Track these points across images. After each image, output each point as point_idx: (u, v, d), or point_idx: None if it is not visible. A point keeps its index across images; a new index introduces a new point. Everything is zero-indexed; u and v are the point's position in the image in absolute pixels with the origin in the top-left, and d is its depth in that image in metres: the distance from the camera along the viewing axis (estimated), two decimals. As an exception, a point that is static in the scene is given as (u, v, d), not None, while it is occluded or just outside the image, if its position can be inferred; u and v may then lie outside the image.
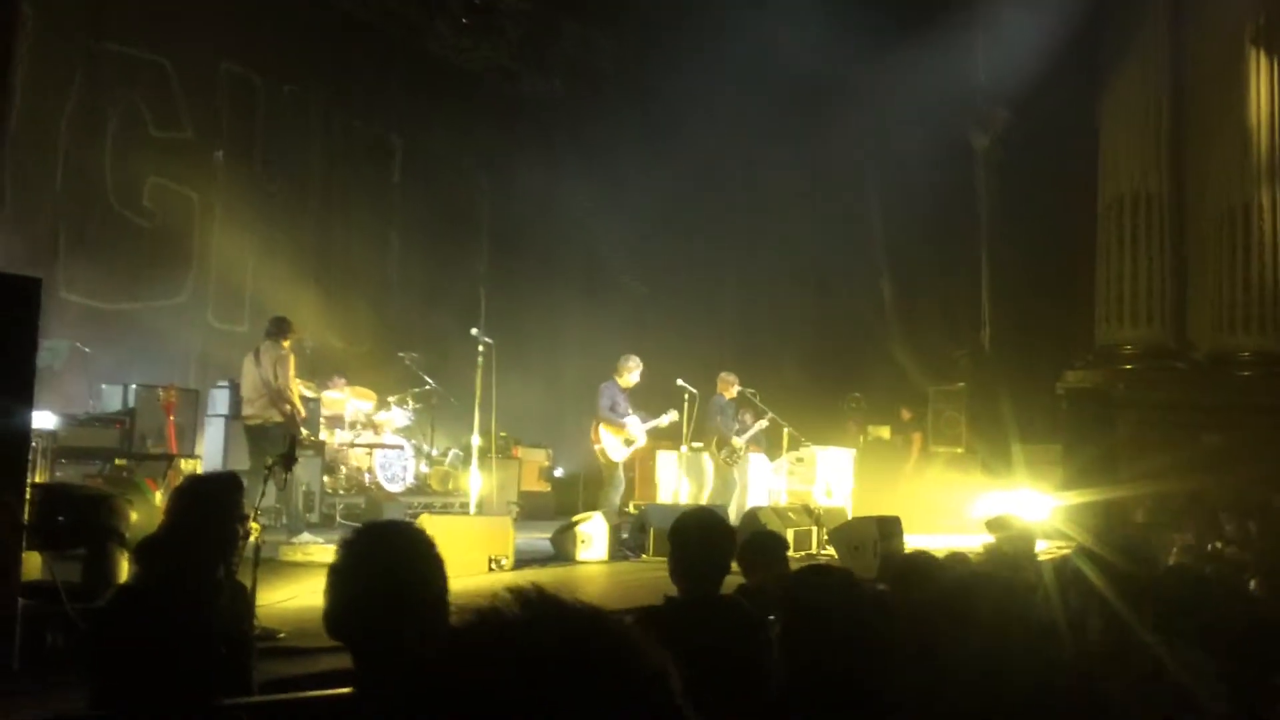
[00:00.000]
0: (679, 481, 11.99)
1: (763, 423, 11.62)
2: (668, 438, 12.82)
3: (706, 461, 11.64)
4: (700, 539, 3.64)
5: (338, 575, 2.22)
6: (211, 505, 3.35)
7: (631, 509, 12.26)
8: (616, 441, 10.17)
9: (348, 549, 2.27)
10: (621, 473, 10.33)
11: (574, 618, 0.90)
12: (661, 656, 0.89)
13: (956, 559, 6.06)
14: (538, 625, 0.89)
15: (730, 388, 11.49)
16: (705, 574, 3.57)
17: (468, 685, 0.85)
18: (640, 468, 14.79)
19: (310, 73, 14.03)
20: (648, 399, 10.89)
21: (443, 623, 2.12)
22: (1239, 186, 15.27)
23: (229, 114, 13.07)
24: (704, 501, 10.99)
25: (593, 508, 9.97)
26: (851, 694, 2.36)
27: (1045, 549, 8.59)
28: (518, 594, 0.92)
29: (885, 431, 15.52)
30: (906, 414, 15.43)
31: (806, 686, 2.43)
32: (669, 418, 10.70)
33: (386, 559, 2.20)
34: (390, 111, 15.29)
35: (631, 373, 10.26)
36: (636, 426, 10.27)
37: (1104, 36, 15.82)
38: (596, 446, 10.22)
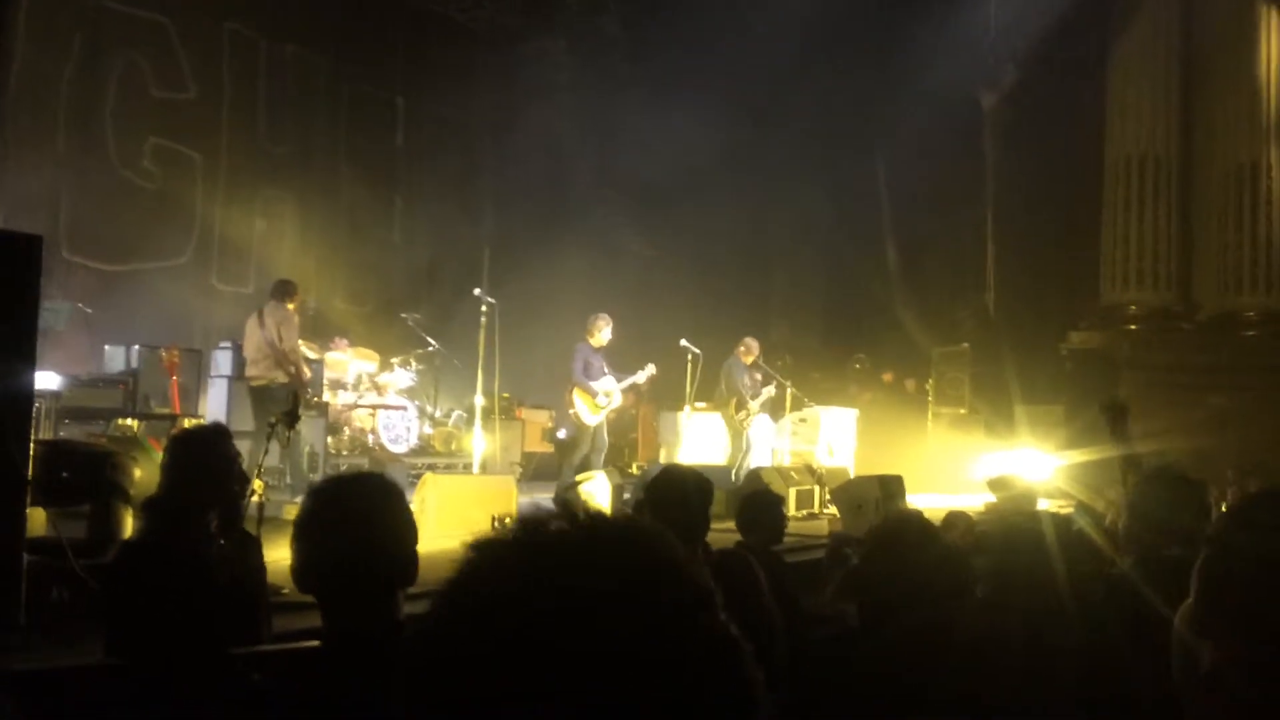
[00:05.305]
0: (684, 442, 12.02)
1: (771, 388, 11.63)
2: (671, 398, 12.84)
3: (716, 422, 11.67)
4: (677, 498, 3.66)
5: (301, 528, 2.16)
6: (203, 452, 3.38)
7: (635, 469, 12.30)
8: (586, 406, 10.01)
9: (312, 501, 2.21)
10: (604, 434, 10.20)
11: (631, 536, 0.80)
12: (706, 576, 0.81)
13: (956, 517, 6.10)
14: (592, 544, 0.78)
15: (749, 354, 11.48)
16: (682, 532, 3.58)
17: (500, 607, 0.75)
18: (644, 428, 14.83)
19: (314, 33, 13.91)
20: (653, 358, 10.87)
21: (410, 575, 2.10)
22: (1248, 144, 15.13)
23: (232, 74, 12.99)
24: (724, 463, 11.02)
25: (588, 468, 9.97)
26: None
27: (1046, 508, 8.59)
28: (566, 509, 0.82)
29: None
30: (888, 377, 15.54)
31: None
32: (646, 373, 10.57)
33: (350, 510, 2.14)
34: (394, 72, 15.19)
35: (602, 331, 10.08)
36: (612, 385, 10.13)
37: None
38: (571, 411, 10.14)
